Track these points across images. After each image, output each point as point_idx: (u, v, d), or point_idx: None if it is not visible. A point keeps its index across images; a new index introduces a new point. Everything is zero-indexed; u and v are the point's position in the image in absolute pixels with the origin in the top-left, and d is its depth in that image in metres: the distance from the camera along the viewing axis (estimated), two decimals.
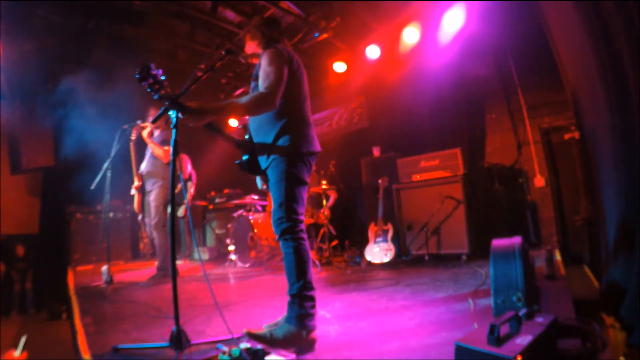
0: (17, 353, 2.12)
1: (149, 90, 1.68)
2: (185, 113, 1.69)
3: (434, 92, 5.22)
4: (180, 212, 5.68)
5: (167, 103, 1.70)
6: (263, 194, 5.39)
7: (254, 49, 2.13)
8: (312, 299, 1.83)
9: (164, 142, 4.02)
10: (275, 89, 1.82)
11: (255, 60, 2.16)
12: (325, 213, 4.85)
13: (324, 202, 4.90)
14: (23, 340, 2.25)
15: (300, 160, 1.90)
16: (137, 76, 1.64)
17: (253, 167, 2.02)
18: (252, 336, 1.73)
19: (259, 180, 2.26)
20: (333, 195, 5.17)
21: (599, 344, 1.48)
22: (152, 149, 4.01)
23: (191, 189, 5.52)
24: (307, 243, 1.88)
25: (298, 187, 1.89)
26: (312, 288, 1.83)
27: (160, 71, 1.69)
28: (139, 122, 4.03)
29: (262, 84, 1.86)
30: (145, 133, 3.98)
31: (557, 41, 3.19)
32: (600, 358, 1.44)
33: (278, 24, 2.14)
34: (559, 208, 4.52)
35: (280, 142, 1.89)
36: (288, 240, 1.85)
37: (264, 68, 1.89)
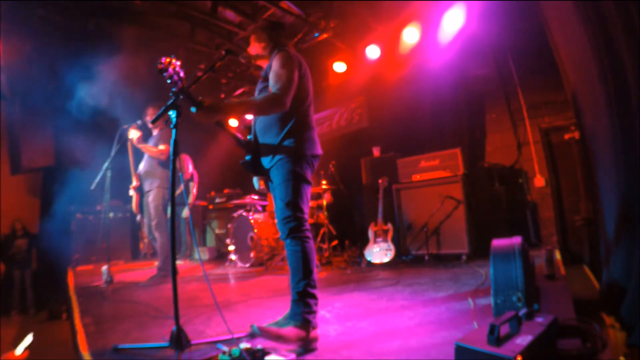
0: (19, 351, 2.12)
1: (168, 81, 1.70)
2: (200, 109, 1.70)
3: (434, 92, 5.22)
4: (184, 213, 5.68)
5: (181, 97, 1.71)
6: (263, 194, 5.39)
7: (258, 51, 2.15)
8: (315, 297, 1.86)
9: (160, 140, 4.01)
10: (287, 91, 1.86)
11: (258, 62, 2.20)
12: (320, 215, 4.85)
13: (324, 202, 4.90)
14: (29, 338, 2.24)
15: (305, 160, 1.94)
16: (160, 67, 1.67)
17: (255, 167, 2.04)
18: (260, 330, 1.72)
19: (256, 182, 2.28)
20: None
21: (599, 344, 1.48)
22: (147, 151, 4.01)
23: (193, 190, 5.53)
24: (312, 242, 1.92)
25: (304, 186, 1.92)
26: (315, 286, 1.87)
27: (179, 63, 1.72)
28: (138, 122, 4.03)
29: (274, 85, 1.89)
30: (134, 138, 3.97)
31: (557, 41, 3.19)
32: (600, 358, 1.44)
33: (284, 28, 2.18)
34: (559, 208, 4.52)
35: (286, 143, 1.92)
36: (295, 239, 1.86)
37: (275, 70, 1.92)
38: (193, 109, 1.71)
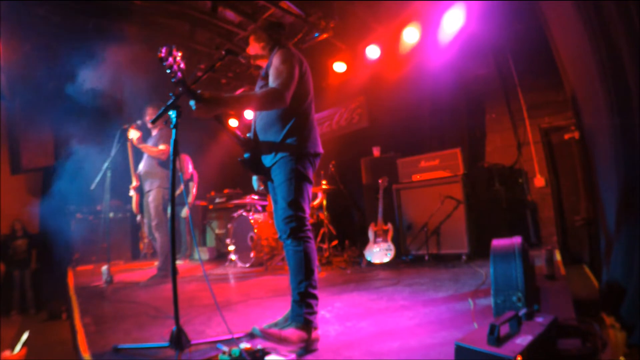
0: (16, 349, 2.12)
1: (168, 71, 1.66)
2: (199, 101, 1.68)
3: (434, 92, 5.21)
4: (184, 212, 5.68)
5: (180, 89, 1.69)
6: (263, 194, 5.40)
7: (258, 50, 2.15)
8: (317, 297, 1.86)
9: (160, 140, 4.01)
10: (287, 86, 1.84)
11: (258, 62, 2.19)
12: (320, 215, 4.85)
13: (324, 202, 4.90)
14: (25, 336, 2.25)
15: (307, 159, 1.93)
16: (160, 55, 1.63)
17: (254, 166, 2.03)
18: (262, 333, 1.72)
19: (255, 182, 2.27)
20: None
21: (599, 344, 1.48)
22: (147, 152, 4.02)
23: (193, 189, 5.53)
24: (313, 242, 1.91)
25: (306, 185, 1.91)
26: (316, 287, 1.87)
27: (181, 54, 1.69)
28: (138, 122, 4.04)
29: (274, 80, 1.88)
30: (134, 138, 3.98)
31: (557, 41, 3.18)
32: (600, 358, 1.44)
33: (283, 28, 2.17)
34: (559, 208, 4.52)
35: (288, 141, 1.91)
36: (297, 239, 1.85)
37: (276, 66, 1.91)
38: (192, 102, 1.69)
